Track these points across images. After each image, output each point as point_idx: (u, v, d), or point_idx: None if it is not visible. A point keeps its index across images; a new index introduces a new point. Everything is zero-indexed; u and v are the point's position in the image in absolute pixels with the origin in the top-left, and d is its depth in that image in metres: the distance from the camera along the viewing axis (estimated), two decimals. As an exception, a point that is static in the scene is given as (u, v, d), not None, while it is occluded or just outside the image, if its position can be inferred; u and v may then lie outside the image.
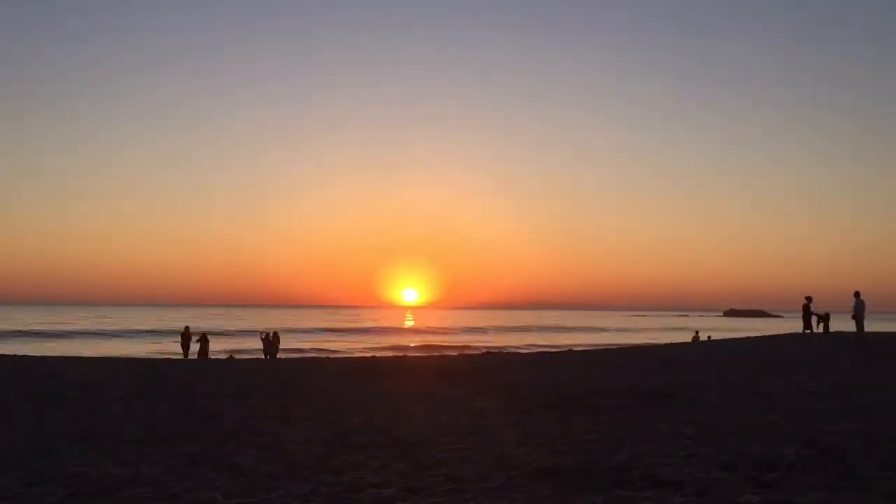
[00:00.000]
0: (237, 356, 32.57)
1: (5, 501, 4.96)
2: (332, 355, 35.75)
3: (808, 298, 29.68)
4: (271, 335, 32.82)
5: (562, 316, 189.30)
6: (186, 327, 33.99)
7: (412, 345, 61.79)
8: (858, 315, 25.42)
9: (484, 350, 40.63)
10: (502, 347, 49.10)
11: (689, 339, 37.66)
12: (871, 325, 26.91)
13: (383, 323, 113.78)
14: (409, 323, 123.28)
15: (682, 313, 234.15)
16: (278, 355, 32.25)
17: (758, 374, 13.85)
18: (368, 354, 33.91)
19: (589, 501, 4.72)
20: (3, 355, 21.94)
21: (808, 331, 29.66)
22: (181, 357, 31.25)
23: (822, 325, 29.66)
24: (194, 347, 32.07)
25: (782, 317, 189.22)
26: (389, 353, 37.92)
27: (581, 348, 39.41)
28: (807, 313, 29.52)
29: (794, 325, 33.76)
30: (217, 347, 37.80)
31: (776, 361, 17.44)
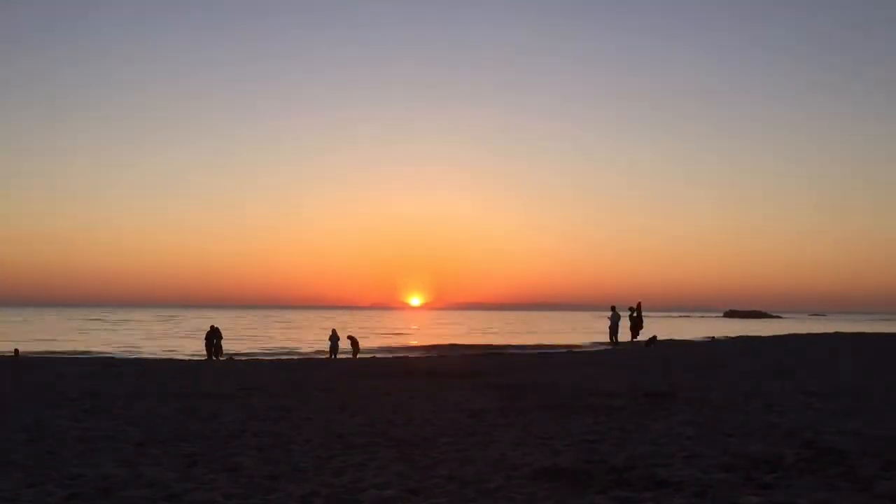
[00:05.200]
0: (236, 358, 32.55)
1: (5, 502, 4.96)
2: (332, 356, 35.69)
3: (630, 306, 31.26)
4: (349, 338, 34.10)
5: (561, 316, 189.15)
6: (212, 326, 33.50)
7: (412, 345, 61.74)
8: (614, 325, 30.93)
9: (483, 351, 40.53)
10: (502, 348, 48.99)
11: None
12: (869, 325, 27.03)
13: (383, 324, 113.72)
14: (409, 324, 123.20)
15: (682, 314, 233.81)
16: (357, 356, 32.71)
17: (758, 374, 13.83)
18: (368, 355, 33.86)
19: (589, 502, 4.72)
20: (3, 355, 21.90)
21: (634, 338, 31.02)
22: (183, 358, 31.14)
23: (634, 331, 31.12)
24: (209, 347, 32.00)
25: (782, 317, 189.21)
26: (389, 354, 37.89)
27: (580, 348, 39.38)
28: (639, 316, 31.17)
29: (794, 326, 33.70)
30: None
31: (776, 361, 17.43)
